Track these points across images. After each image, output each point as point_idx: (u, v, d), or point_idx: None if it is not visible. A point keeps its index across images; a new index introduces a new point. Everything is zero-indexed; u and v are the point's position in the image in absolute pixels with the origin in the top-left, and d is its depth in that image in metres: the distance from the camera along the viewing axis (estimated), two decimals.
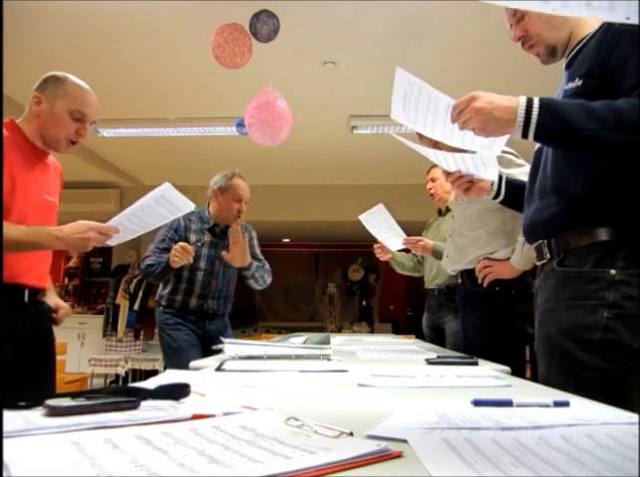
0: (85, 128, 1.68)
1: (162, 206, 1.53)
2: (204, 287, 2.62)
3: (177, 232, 2.60)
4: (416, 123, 1.26)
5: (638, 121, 0.99)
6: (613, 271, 1.09)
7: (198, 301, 2.62)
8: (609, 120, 1.00)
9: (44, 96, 1.63)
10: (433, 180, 2.84)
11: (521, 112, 1.04)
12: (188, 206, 1.58)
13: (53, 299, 1.83)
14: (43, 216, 1.65)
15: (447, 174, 1.46)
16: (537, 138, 1.07)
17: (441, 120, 1.19)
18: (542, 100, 1.04)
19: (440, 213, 2.93)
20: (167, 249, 2.49)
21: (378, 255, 2.82)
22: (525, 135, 1.06)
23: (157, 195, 1.48)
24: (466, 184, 1.45)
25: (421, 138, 1.92)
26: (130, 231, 1.59)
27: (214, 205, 2.67)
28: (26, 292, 1.63)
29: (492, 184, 1.52)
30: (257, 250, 2.77)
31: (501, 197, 1.53)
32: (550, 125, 1.04)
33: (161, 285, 2.70)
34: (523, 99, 1.05)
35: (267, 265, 2.74)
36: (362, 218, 2.59)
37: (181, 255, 2.34)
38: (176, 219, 2.58)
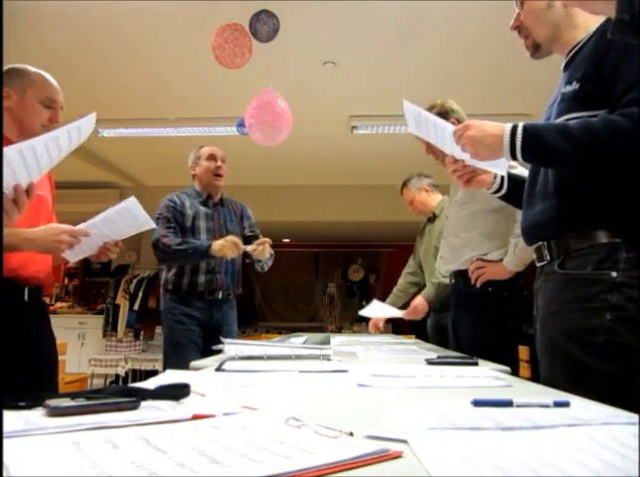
0: (58, 114, 1.67)
1: (125, 219, 1.58)
2: (209, 262, 2.57)
3: (176, 208, 2.61)
4: (429, 138, 1.45)
5: (611, 138, 1.05)
6: (615, 273, 1.09)
7: (206, 277, 2.58)
8: (583, 140, 1.08)
9: (12, 90, 1.61)
10: (411, 203, 3.00)
11: (506, 140, 1.15)
12: (148, 223, 1.62)
13: None
14: (33, 210, 1.62)
15: (453, 161, 1.44)
16: (524, 159, 1.17)
17: (449, 141, 1.31)
18: (524, 127, 1.15)
19: (430, 219, 3.00)
20: (174, 228, 2.54)
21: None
22: (514, 158, 1.17)
23: (122, 207, 1.54)
24: (468, 175, 1.44)
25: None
26: (91, 243, 1.61)
27: (196, 178, 2.74)
28: (26, 291, 1.62)
29: (495, 177, 1.50)
30: (256, 230, 2.84)
31: (503, 191, 1.52)
32: (532, 148, 1.14)
33: (166, 268, 2.68)
34: (508, 128, 1.16)
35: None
36: (363, 313, 3.08)
37: (233, 249, 2.40)
38: (170, 198, 2.64)
